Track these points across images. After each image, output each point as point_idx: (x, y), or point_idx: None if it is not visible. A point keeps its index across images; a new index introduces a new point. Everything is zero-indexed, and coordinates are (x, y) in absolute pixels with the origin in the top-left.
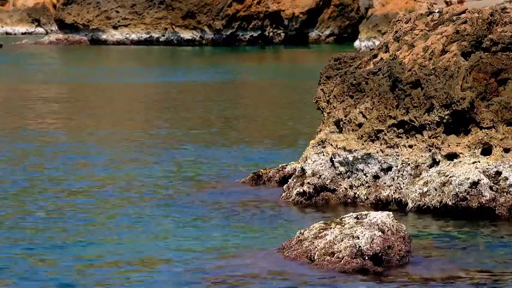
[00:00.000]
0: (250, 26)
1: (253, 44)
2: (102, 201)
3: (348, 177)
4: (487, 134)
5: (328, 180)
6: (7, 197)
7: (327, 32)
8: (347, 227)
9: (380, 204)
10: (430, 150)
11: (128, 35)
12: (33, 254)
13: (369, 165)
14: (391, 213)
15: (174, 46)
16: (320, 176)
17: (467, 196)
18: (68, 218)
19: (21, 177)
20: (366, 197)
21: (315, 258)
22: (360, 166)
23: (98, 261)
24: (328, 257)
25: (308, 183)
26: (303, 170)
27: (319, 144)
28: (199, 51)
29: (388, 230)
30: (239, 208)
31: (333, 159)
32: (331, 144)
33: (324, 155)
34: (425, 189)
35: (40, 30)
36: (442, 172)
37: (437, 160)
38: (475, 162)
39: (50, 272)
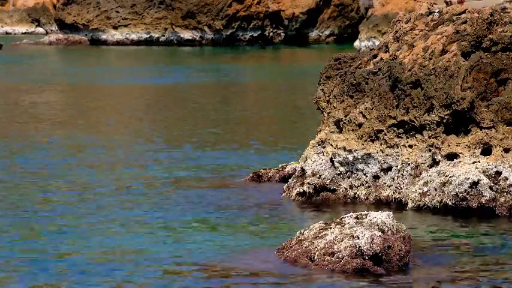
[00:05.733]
0: (250, 26)
1: (253, 44)
2: (101, 201)
3: (348, 177)
4: (487, 134)
5: (328, 180)
6: (5, 197)
7: (327, 32)
8: (347, 227)
9: (380, 204)
10: (430, 150)
11: (127, 35)
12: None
13: (369, 165)
14: (391, 213)
15: (174, 46)
16: (320, 176)
17: (467, 196)
18: (66, 217)
19: (17, 178)
20: (366, 197)
21: (315, 258)
22: (360, 166)
23: (95, 258)
24: (328, 257)
25: (308, 183)
26: (303, 170)
27: (319, 144)
28: (199, 51)
29: (388, 230)
30: (239, 208)
31: (333, 159)
32: (331, 144)
33: (324, 155)
34: (425, 189)
35: (40, 30)
36: (442, 172)
37: (437, 160)
38: (475, 162)
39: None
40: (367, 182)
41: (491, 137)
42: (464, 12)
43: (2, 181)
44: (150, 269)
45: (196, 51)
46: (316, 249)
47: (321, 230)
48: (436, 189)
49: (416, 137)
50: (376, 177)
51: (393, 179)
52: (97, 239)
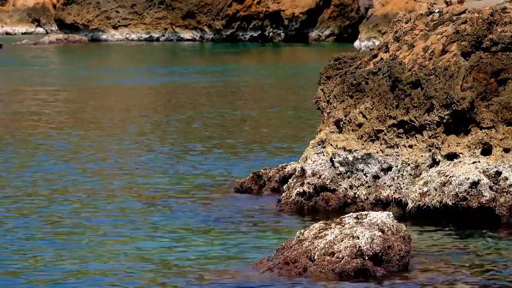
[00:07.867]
0: (250, 26)
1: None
2: (97, 207)
3: (348, 177)
4: (487, 134)
5: (328, 180)
6: (7, 200)
7: (327, 32)
8: (347, 227)
9: (380, 204)
10: (430, 150)
11: (128, 35)
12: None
13: (369, 165)
14: (391, 213)
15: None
16: (320, 176)
17: (467, 196)
18: (60, 222)
19: (16, 179)
20: (366, 197)
21: (315, 258)
22: (360, 166)
23: (83, 269)
24: (328, 257)
25: (308, 183)
26: (303, 170)
27: (319, 144)
28: (199, 48)
29: (388, 230)
30: (239, 208)
31: (333, 159)
32: (331, 144)
33: (324, 155)
34: (425, 189)
35: (40, 30)
36: (442, 172)
37: (437, 160)
38: (475, 162)
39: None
40: (367, 182)
41: (491, 137)
42: (464, 12)
43: (2, 182)
44: (148, 276)
45: (196, 48)
46: (316, 249)
47: (321, 230)
48: (436, 189)
49: (416, 137)
50: (376, 177)
51: (393, 179)
52: (92, 243)
